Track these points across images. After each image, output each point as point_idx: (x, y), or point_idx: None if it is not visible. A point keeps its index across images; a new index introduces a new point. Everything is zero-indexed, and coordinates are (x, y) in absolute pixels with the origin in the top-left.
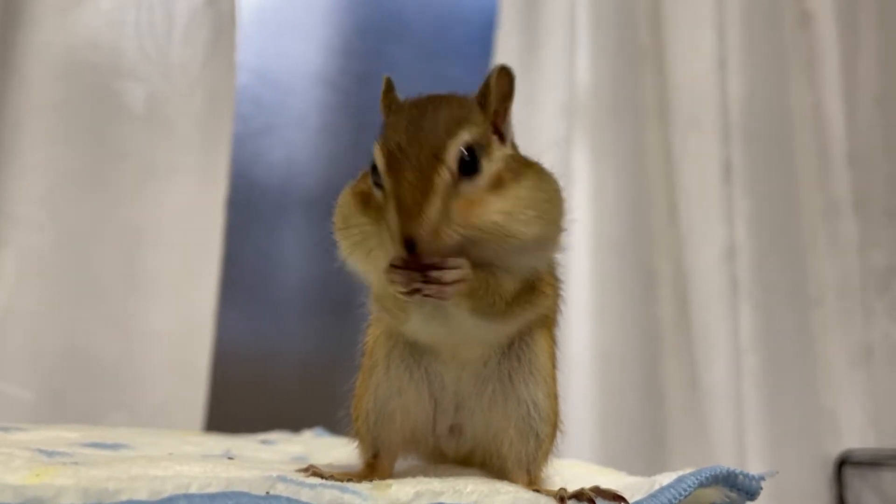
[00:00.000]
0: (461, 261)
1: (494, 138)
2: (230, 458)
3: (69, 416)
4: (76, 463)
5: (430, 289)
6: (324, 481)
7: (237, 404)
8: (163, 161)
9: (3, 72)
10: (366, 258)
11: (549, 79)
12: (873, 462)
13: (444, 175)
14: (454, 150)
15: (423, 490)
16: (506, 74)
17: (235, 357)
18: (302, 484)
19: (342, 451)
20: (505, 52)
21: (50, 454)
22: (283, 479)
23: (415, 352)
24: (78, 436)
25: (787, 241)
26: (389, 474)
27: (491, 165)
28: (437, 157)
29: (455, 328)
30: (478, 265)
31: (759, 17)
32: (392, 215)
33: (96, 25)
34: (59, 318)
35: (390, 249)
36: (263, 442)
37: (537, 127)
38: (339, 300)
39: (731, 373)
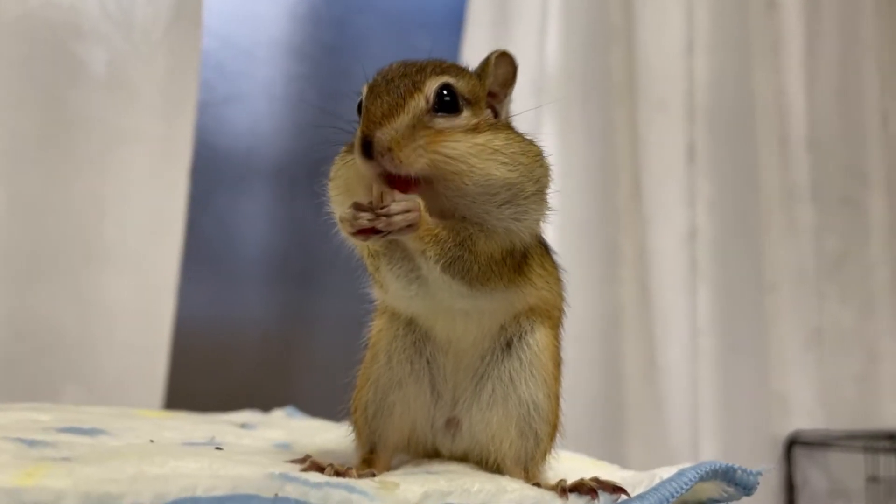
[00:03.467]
0: (412, 196)
1: (488, 111)
2: (218, 448)
3: (20, 389)
4: (66, 459)
5: (380, 222)
6: (329, 480)
7: (197, 379)
8: (124, 128)
9: None
10: (342, 210)
11: (520, 56)
12: (821, 443)
13: (419, 101)
14: (434, 84)
15: (430, 490)
16: (508, 61)
17: (195, 330)
18: (309, 484)
19: (325, 435)
20: (476, 27)
21: (31, 444)
22: (287, 478)
23: (417, 341)
24: (50, 418)
25: (745, 225)
26: (386, 469)
27: (472, 118)
28: (416, 86)
29: (434, 293)
30: (451, 218)
31: (726, 1)
32: (359, 126)
33: None
34: (11, 287)
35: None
36: (243, 426)
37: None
38: (301, 272)
39: (689, 354)
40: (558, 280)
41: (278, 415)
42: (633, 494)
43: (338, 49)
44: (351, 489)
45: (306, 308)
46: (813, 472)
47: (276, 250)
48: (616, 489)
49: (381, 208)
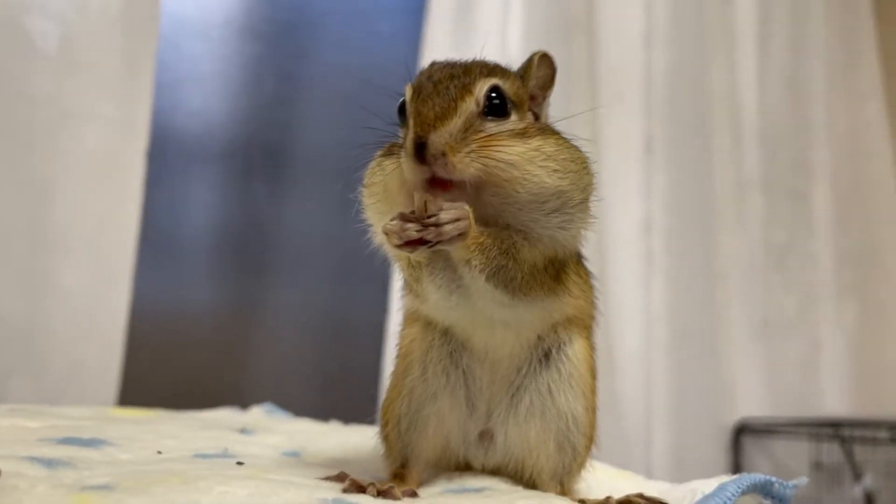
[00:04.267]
0: (460, 204)
1: (529, 113)
2: (239, 463)
3: None
4: (106, 487)
5: (430, 232)
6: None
7: (151, 370)
8: (78, 107)
9: None
10: (380, 217)
11: (481, 43)
12: (767, 430)
13: (470, 104)
14: (484, 86)
15: None
16: (548, 62)
17: (147, 319)
18: None
19: (328, 440)
20: (437, 13)
21: (50, 465)
22: (341, 503)
23: (453, 352)
24: (38, 426)
25: (699, 216)
26: (418, 485)
27: (519, 121)
28: (467, 89)
29: (474, 302)
30: (494, 225)
31: None
32: (410, 128)
33: None
34: None
35: (400, 200)
36: (242, 431)
37: None
38: (255, 259)
39: (643, 343)
40: (591, 287)
41: (257, 412)
42: None
43: (295, 29)
44: None
45: (261, 295)
46: (759, 459)
47: (231, 236)
48: None
49: (429, 217)
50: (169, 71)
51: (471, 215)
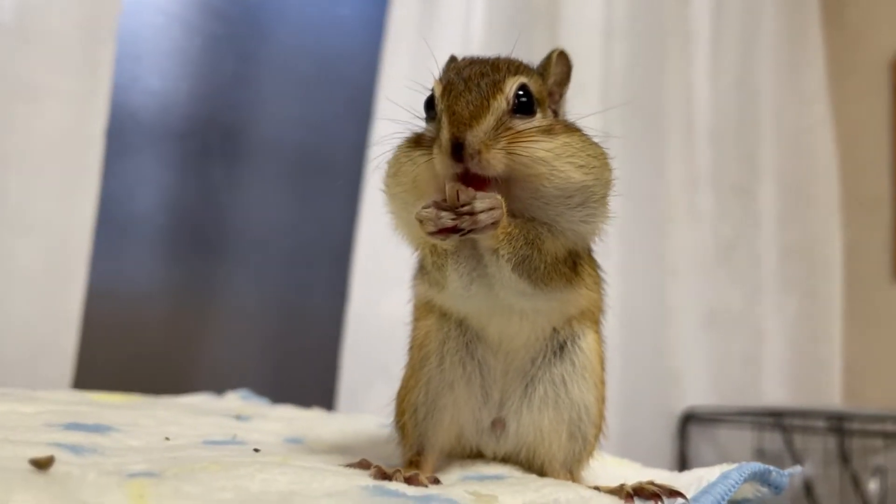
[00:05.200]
0: (493, 194)
1: (549, 110)
2: (256, 450)
3: None
4: (150, 474)
5: (464, 220)
6: (429, 493)
7: (105, 353)
8: (34, 81)
9: None
10: (404, 207)
11: (444, 32)
12: (713, 418)
13: (501, 102)
14: (514, 84)
15: (529, 501)
16: (565, 60)
17: (101, 300)
18: (408, 498)
19: (329, 426)
20: (401, 2)
21: (76, 450)
22: (383, 491)
23: (469, 343)
24: (34, 410)
25: (651, 210)
26: (433, 472)
27: (543, 119)
28: (498, 87)
29: (496, 292)
30: (521, 216)
31: None
32: (444, 126)
33: None
34: None
35: (429, 189)
36: (238, 418)
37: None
38: (211, 241)
39: None
40: (601, 280)
41: (233, 398)
42: (689, 497)
43: (256, 10)
44: (454, 503)
45: (217, 278)
46: (704, 447)
47: (187, 218)
48: (673, 493)
49: (463, 206)
50: (127, 45)
51: (503, 205)
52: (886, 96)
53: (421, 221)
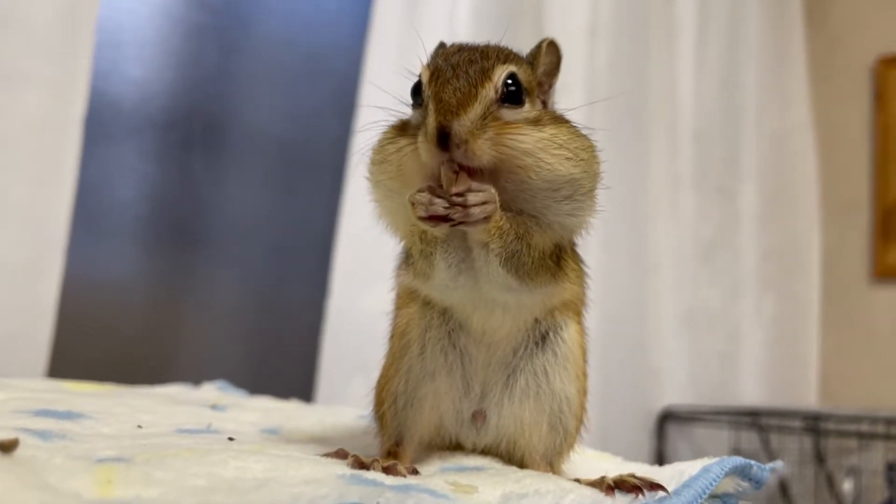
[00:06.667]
0: (487, 186)
1: (538, 100)
2: (231, 439)
3: None
4: (120, 460)
5: (456, 211)
6: (407, 482)
7: (80, 344)
8: (10, 68)
9: None
10: (388, 194)
11: (430, 25)
12: (690, 417)
13: (489, 90)
14: (502, 73)
15: (508, 492)
16: (555, 50)
17: (77, 290)
18: (387, 487)
19: (307, 419)
20: (387, 3)
21: (44, 436)
22: (359, 480)
23: (451, 332)
24: (4, 397)
25: (633, 209)
26: (411, 462)
27: (532, 109)
28: (486, 75)
29: (482, 285)
30: (507, 210)
31: None
32: (430, 113)
33: None
34: None
35: (416, 178)
36: (214, 408)
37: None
38: (190, 233)
39: None
40: (584, 273)
41: (209, 388)
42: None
43: (239, 0)
44: (433, 493)
45: (195, 270)
46: (681, 445)
47: (166, 209)
48: (654, 486)
49: (456, 196)
50: (107, 33)
51: (497, 200)
52: (867, 100)
53: (413, 205)
